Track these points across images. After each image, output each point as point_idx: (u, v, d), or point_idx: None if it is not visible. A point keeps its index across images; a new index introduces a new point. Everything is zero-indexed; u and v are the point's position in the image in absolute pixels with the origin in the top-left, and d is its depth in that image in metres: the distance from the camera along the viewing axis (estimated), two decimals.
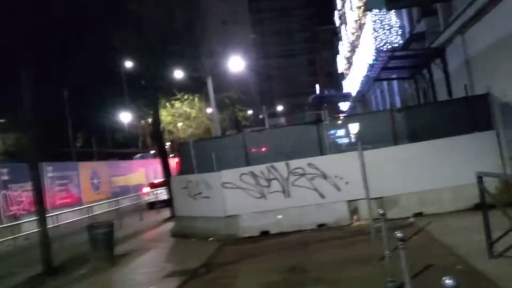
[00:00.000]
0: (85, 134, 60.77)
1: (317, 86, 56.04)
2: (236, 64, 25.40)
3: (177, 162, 15.48)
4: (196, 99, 28.23)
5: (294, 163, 11.71)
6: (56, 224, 16.42)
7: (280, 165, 11.75)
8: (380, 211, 6.61)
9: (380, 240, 6.79)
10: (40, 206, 10.50)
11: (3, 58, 13.24)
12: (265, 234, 11.47)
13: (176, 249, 11.89)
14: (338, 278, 7.05)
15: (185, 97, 27.96)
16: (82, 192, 24.54)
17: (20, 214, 18.70)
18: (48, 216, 16.02)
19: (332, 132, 12.80)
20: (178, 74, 26.00)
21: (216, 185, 11.97)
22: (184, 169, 14.08)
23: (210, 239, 11.82)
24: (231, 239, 11.41)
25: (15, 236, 15.37)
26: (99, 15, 18.36)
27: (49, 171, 22.14)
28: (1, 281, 10.18)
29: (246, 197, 11.72)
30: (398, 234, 4.72)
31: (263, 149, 13.05)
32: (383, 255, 6.37)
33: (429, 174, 11.00)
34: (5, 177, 19.00)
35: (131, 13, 18.04)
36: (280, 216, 11.57)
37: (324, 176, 11.55)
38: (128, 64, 29.14)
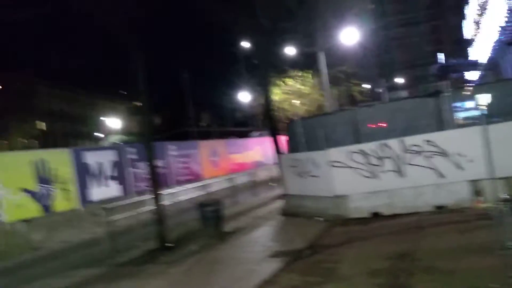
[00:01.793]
0: (209, 114, 63.90)
1: (442, 55, 51.79)
2: (350, 36, 24.29)
3: (286, 140, 15.28)
4: (309, 75, 27.72)
5: (410, 139, 10.81)
6: (176, 200, 17.32)
7: (394, 143, 10.94)
8: (505, 195, 5.70)
9: (504, 227, 5.91)
10: (155, 184, 11.04)
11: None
12: (376, 215, 10.83)
13: (284, 228, 11.79)
14: (452, 269, 6.29)
15: (298, 74, 27.61)
16: (202, 169, 25.65)
17: (146, 190, 20.10)
18: (167, 194, 17.15)
19: (454, 104, 11.57)
20: (291, 51, 25.67)
21: (324, 164, 11.55)
22: (293, 147, 13.86)
23: (319, 218, 11.50)
24: (340, 220, 10.98)
25: (139, 211, 16.42)
26: None
27: (171, 150, 23.42)
28: (122, 254, 10.96)
29: (355, 177, 11.15)
30: None
31: (375, 125, 12.26)
32: (506, 245, 5.51)
33: None
34: (133, 156, 20.51)
35: None
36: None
37: (444, 154, 10.49)
38: (245, 44, 29.43)
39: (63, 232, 14.96)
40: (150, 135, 11.34)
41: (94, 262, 10.52)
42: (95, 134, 67.45)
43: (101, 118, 69.00)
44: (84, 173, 16.89)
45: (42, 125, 60.18)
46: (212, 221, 10.52)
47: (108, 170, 18.23)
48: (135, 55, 10.47)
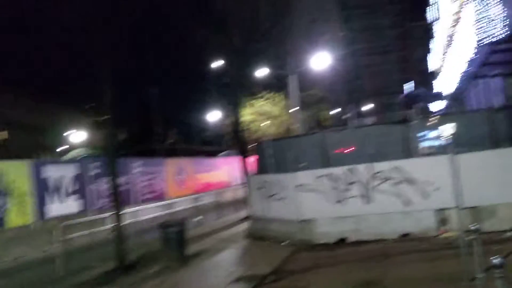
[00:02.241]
0: (177, 131, 63.23)
1: (409, 84, 53.21)
2: (321, 61, 24.63)
3: (254, 161, 15.13)
4: (279, 97, 27.85)
5: (377, 166, 10.80)
6: (138, 219, 16.79)
7: (361, 168, 10.91)
8: (472, 227, 5.65)
9: (472, 256, 5.84)
10: (115, 202, 10.61)
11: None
12: (342, 241, 10.70)
13: (249, 252, 11.51)
14: None
15: (268, 95, 27.69)
16: (167, 187, 25.12)
17: (108, 207, 19.42)
18: (129, 212, 16.60)
19: (420, 133, 11.69)
20: (262, 72, 25.75)
21: (291, 186, 11.40)
22: (261, 168, 13.68)
23: (284, 243, 11.29)
24: (306, 245, 10.79)
25: (99, 229, 15.80)
26: (185, 14, 18.51)
27: (136, 166, 22.86)
28: (77, 274, 10.41)
29: (322, 201, 11.02)
30: (495, 260, 3.85)
31: (344, 150, 12.24)
32: (474, 276, 5.43)
33: None
34: (96, 171, 19.83)
35: (216, 12, 18.01)
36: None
37: (411, 181, 10.52)
38: (217, 63, 29.33)
39: (16, 249, 14.19)
40: (113, 150, 10.94)
41: (45, 284, 9.93)
42: (59, 146, 65.60)
43: (67, 130, 67.19)
44: (43, 187, 16.17)
45: (4, 135, 58.09)
46: (175, 242, 10.13)
47: (69, 184, 17.54)
48: (101, 69, 10.14)
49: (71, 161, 22.04)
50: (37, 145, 67.25)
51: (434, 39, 41.13)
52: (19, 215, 14.97)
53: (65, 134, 66.05)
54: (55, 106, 72.03)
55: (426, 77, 56.04)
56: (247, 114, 27.69)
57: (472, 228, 5.68)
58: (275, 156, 12.63)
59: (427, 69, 52.03)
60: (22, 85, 56.92)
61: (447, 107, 39.39)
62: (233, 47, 17.90)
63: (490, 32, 16.78)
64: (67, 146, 63.69)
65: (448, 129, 11.73)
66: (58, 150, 64.30)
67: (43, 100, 66.99)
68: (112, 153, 10.86)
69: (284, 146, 12.92)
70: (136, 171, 22.54)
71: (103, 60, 10.10)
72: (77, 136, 60.81)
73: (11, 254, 13.89)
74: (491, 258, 3.89)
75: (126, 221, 15.35)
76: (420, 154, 11.23)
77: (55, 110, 73.45)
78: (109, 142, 10.93)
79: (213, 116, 38.72)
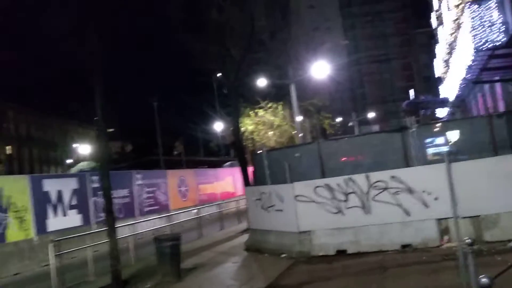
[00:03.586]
0: (181, 143, 63.40)
1: (412, 92, 52.95)
2: (322, 69, 24.49)
3: (251, 172, 14.96)
4: (280, 107, 27.72)
5: (375, 175, 10.58)
6: (139, 232, 16.65)
7: (360, 178, 10.70)
8: (467, 239, 5.43)
9: (470, 271, 5.61)
10: (109, 215, 10.46)
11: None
12: (341, 253, 10.46)
13: (246, 265, 11.28)
14: None
15: (269, 105, 27.56)
16: (169, 199, 24.98)
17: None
18: (133, 223, 16.47)
19: (421, 140, 11.46)
20: (262, 82, 25.67)
21: (288, 197, 11.21)
22: (258, 179, 13.49)
23: (283, 255, 11.07)
24: (304, 257, 10.57)
25: (100, 242, 15.65)
26: (181, 24, 18.44)
27: (138, 179, 22.75)
28: None
29: (321, 212, 10.81)
30: (483, 279, 3.63)
31: (342, 159, 12.04)
32: None
33: None
34: (97, 184, 19.76)
35: (214, 21, 17.94)
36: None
37: (410, 191, 10.29)
38: (218, 74, 29.38)
39: (14, 264, 14.10)
40: (105, 163, 10.82)
41: None
42: (65, 160, 65.88)
43: (71, 144, 67.61)
44: (42, 202, 16.07)
45: (9, 150, 58.42)
46: (169, 257, 9.95)
47: (69, 198, 17.45)
48: (94, 80, 10.07)
49: (71, 175, 21.97)
50: (44, 159, 67.73)
51: (439, 44, 40.89)
52: (20, 230, 14.87)
53: (72, 147, 66.47)
54: (61, 121, 72.77)
55: (431, 83, 55.74)
56: (248, 124, 27.56)
57: (467, 241, 5.46)
58: (271, 166, 12.45)
59: (433, 75, 51.73)
60: (28, 101, 57.46)
61: (450, 113, 39.08)
62: (232, 57, 17.80)
63: (488, 37, 16.61)
64: (72, 160, 64.05)
65: (449, 136, 11.60)
66: (66, 163, 64.68)
67: (49, 115, 67.59)
68: (105, 166, 10.74)
69: (280, 156, 12.73)
70: (138, 183, 22.42)
71: (94, 71, 10.03)
72: (83, 149, 61.15)
73: (12, 269, 13.81)
74: (480, 277, 3.68)
75: (126, 234, 15.28)
76: (420, 162, 10.99)
77: (61, 125, 74.20)
78: (101, 154, 10.81)
79: (217, 126, 38.74)
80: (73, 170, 46.17)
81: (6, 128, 58.24)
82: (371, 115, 59.55)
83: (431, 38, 51.89)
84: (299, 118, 23.26)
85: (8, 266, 13.93)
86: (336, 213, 10.75)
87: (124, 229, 15.32)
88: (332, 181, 10.87)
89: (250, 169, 16.96)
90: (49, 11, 10.29)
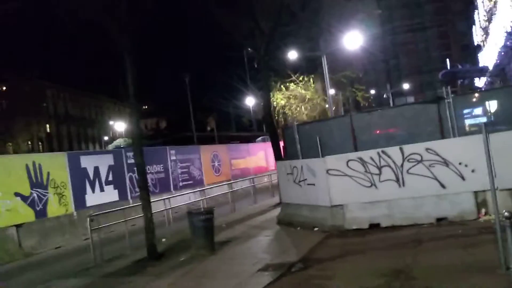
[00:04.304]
0: (215, 118, 63.73)
1: (449, 61, 51.15)
2: (355, 40, 23.84)
3: (282, 146, 14.88)
4: (311, 80, 27.28)
5: (410, 148, 10.35)
6: (175, 206, 16.97)
7: (393, 151, 10.48)
8: (505, 212, 5.25)
9: (508, 245, 5.47)
10: (144, 191, 10.66)
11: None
12: (374, 226, 10.37)
13: (278, 238, 11.33)
14: None
15: (300, 78, 27.18)
16: (203, 174, 25.29)
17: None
18: (168, 198, 16.77)
19: (458, 111, 11.09)
20: (293, 55, 25.25)
21: (320, 171, 11.11)
22: (290, 153, 13.42)
23: (315, 229, 11.07)
24: (337, 231, 10.53)
25: (136, 216, 16.04)
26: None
27: (172, 154, 23.08)
28: (110, 263, 10.60)
29: (353, 186, 10.70)
30: None
31: (374, 132, 11.80)
32: (508, 266, 5.06)
33: None
34: (131, 160, 20.15)
35: None
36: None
37: (446, 163, 10.03)
38: (250, 48, 29.06)
39: (55, 238, 14.66)
40: (138, 140, 10.97)
41: (81, 271, 10.17)
42: (102, 137, 67.54)
43: (108, 121, 69.13)
44: (80, 178, 16.57)
45: (48, 128, 60.28)
46: (202, 230, 10.10)
47: (106, 174, 17.90)
48: (124, 56, 10.13)
49: (107, 151, 22.47)
50: (81, 136, 69.65)
51: (478, 10, 39.14)
52: (58, 205, 15.40)
53: (109, 124, 67.99)
54: (97, 98, 74.28)
55: (469, 52, 53.73)
56: (280, 98, 27.36)
57: (506, 214, 5.28)
58: (302, 140, 12.34)
59: (471, 43, 49.83)
60: (65, 80, 58.81)
61: (488, 83, 37.59)
62: (262, 31, 17.56)
63: None
64: (108, 137, 65.57)
65: (487, 106, 11.17)
66: (103, 140, 66.36)
67: (87, 93, 69.13)
68: (138, 142, 10.90)
69: (311, 130, 12.60)
70: (173, 159, 22.75)
71: (123, 46, 10.07)
72: (119, 126, 62.40)
73: (53, 243, 14.38)
74: None
75: (161, 208, 15.61)
76: (456, 134, 10.67)
77: (97, 102, 75.78)
78: (134, 131, 10.96)
79: (249, 101, 38.62)
80: (110, 146, 47.34)
81: (45, 107, 59.97)
82: (406, 86, 58.05)
83: (469, 4, 49.74)
84: (331, 91, 22.88)
85: (51, 240, 14.51)
86: (369, 186, 10.61)
87: (159, 204, 15.66)
88: (365, 154, 10.70)
89: (282, 144, 16.91)
90: None
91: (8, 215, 13.57)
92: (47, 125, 60.01)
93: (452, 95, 10.92)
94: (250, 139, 40.66)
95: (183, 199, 18.52)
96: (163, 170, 21.63)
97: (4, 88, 51.09)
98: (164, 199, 16.39)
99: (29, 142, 54.06)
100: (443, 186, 10.03)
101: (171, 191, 21.00)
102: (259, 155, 32.39)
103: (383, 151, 10.55)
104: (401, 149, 10.40)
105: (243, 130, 55.35)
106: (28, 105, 50.74)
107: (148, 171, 20.13)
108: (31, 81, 52.60)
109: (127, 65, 10.18)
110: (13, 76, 49.19)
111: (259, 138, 41.53)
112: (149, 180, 20.21)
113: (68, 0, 10.45)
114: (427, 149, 10.17)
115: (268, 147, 33.93)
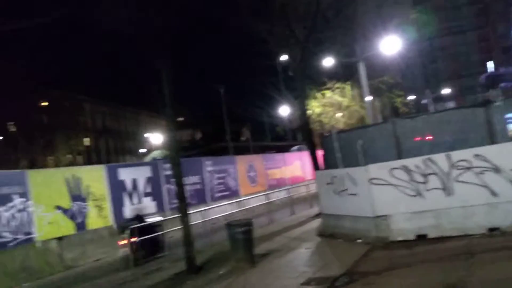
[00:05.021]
0: (249, 129, 63.78)
1: (490, 64, 49.39)
2: (392, 45, 23.25)
3: (321, 155, 14.50)
4: (348, 87, 26.75)
5: (457, 154, 9.82)
6: (211, 218, 16.80)
7: (440, 158, 9.97)
8: None
9: None
10: (182, 203, 10.54)
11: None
12: (421, 238, 9.86)
13: (320, 251, 10.95)
14: None
15: (336, 85, 26.70)
16: (239, 184, 25.12)
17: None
18: (206, 209, 16.64)
19: (507, 115, 10.50)
20: (329, 61, 24.84)
21: (362, 181, 10.70)
22: (329, 163, 13.04)
23: (358, 241, 10.64)
24: (382, 243, 10.08)
25: (174, 229, 15.97)
26: (246, 7, 18.17)
27: (208, 165, 23.02)
28: (149, 276, 10.50)
29: (398, 195, 10.23)
30: None
31: (419, 139, 11.30)
32: None
33: None
34: (170, 172, 20.18)
35: (278, 2, 17.52)
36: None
37: (497, 170, 9.45)
38: (282, 56, 28.86)
39: (95, 250, 14.74)
40: (176, 152, 10.88)
41: (121, 285, 10.10)
42: (138, 149, 68.67)
43: (145, 133, 70.29)
44: (118, 190, 16.69)
45: (87, 141, 61.74)
46: (242, 243, 9.86)
47: (143, 186, 17.99)
48: (160, 68, 10.10)
49: (144, 163, 22.60)
50: (119, 149, 70.97)
51: None
52: (97, 218, 15.53)
53: (145, 137, 69.08)
54: (134, 111, 75.62)
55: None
56: (316, 106, 26.94)
57: None
58: (342, 149, 11.96)
59: None
60: (102, 93, 60.26)
61: None
62: (297, 39, 17.34)
63: None
64: (145, 150, 66.56)
65: None
66: (140, 152, 67.48)
67: (124, 107, 70.51)
68: (175, 154, 10.80)
69: (352, 138, 12.17)
70: (208, 170, 22.69)
71: (160, 60, 10.05)
72: (156, 138, 63.32)
73: (93, 255, 14.47)
74: None
75: (198, 220, 15.47)
76: (507, 139, 10.08)
77: (134, 115, 77.17)
78: (171, 143, 10.88)
79: (283, 110, 38.36)
80: (147, 158, 47.96)
81: (84, 121, 61.53)
82: (445, 91, 56.44)
83: (510, 5, 48.12)
84: (369, 98, 22.28)
85: (90, 252, 14.60)
86: (414, 196, 10.12)
87: (197, 215, 15.54)
88: (410, 162, 10.23)
89: (319, 153, 16.55)
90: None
91: (50, 228, 13.75)
92: (86, 139, 61.51)
93: (501, 98, 10.35)
94: (285, 149, 40.33)
95: (219, 210, 18.34)
96: (199, 181, 21.60)
97: (46, 103, 52.72)
98: (201, 210, 16.26)
99: (69, 155, 55.47)
100: (494, 194, 9.46)
101: (207, 202, 20.88)
102: (295, 164, 32.00)
103: (428, 159, 10.06)
104: (448, 155, 9.89)
105: (277, 140, 55.09)
106: (67, 120, 52.19)
107: (184, 183, 20.10)
108: (71, 96, 54.16)
109: (163, 77, 10.14)
110: (53, 92, 50.80)
111: (295, 147, 41.14)
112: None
113: (111, 17, 10.54)
114: (476, 155, 9.63)
115: (303, 156, 33.56)
